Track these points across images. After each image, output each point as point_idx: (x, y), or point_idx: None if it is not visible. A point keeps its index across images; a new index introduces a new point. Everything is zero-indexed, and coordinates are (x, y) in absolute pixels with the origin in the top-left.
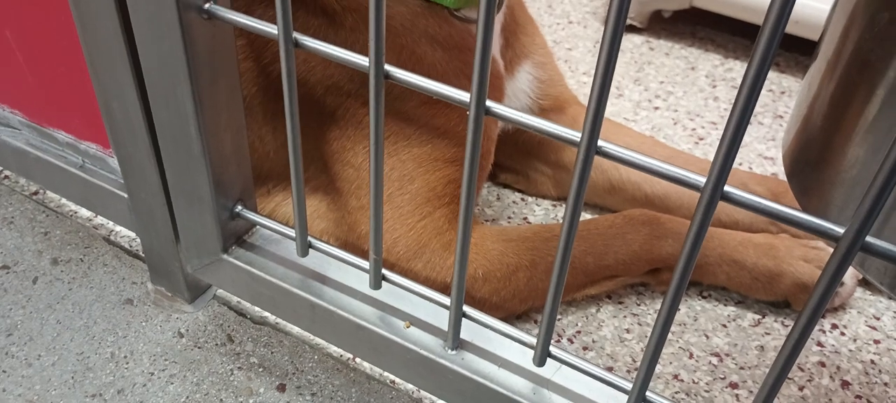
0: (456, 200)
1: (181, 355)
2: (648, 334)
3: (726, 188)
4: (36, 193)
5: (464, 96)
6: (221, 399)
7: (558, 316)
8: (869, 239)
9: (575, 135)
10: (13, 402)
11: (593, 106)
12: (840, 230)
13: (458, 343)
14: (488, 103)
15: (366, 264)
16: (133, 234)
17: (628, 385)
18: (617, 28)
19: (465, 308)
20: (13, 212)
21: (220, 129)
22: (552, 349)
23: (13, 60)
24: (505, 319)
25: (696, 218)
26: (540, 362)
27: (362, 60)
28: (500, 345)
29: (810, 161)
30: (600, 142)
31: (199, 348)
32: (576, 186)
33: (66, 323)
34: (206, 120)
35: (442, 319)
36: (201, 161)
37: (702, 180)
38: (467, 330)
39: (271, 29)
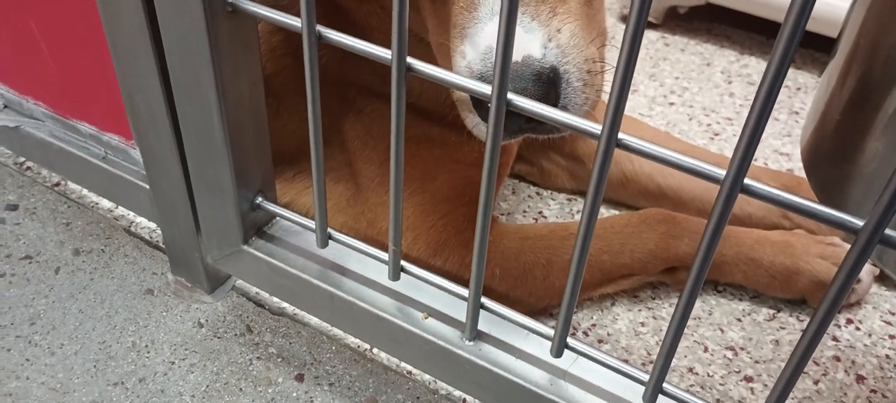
0: (475, 201)
1: (201, 345)
2: (663, 328)
3: (746, 181)
4: (58, 184)
5: (485, 88)
6: (241, 389)
7: (574, 310)
8: (888, 231)
9: (596, 128)
10: (36, 390)
11: (614, 99)
12: (859, 222)
13: (476, 335)
14: (510, 96)
15: (384, 256)
16: (153, 225)
17: (645, 377)
18: (639, 22)
19: (483, 299)
20: (35, 203)
21: (242, 121)
22: (569, 340)
23: (38, 52)
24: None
25: (715, 211)
26: (557, 353)
27: (385, 53)
28: (517, 337)
29: (828, 156)
30: (620, 135)
31: (218, 338)
32: (596, 177)
33: (88, 313)
34: (228, 111)
35: (460, 310)
36: (223, 152)
37: (722, 173)
38: (485, 322)
39: (295, 22)
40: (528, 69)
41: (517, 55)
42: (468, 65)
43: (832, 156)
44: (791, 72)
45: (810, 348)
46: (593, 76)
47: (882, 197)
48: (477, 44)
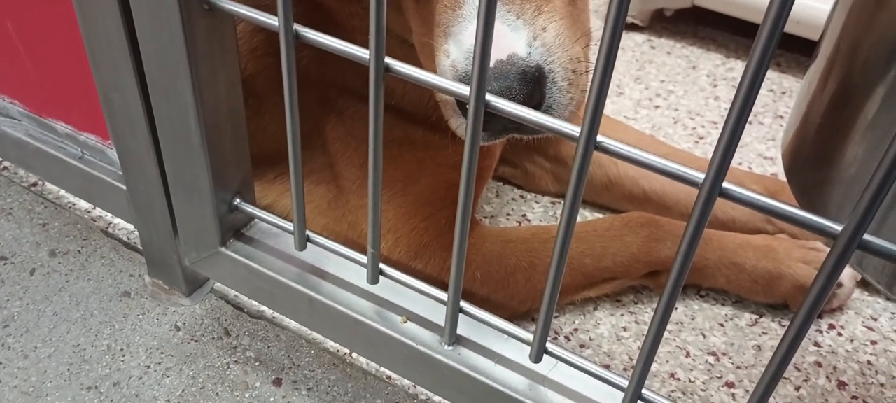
0: (457, 204)
1: (178, 348)
2: (645, 332)
3: (725, 185)
4: (35, 184)
5: (463, 89)
6: (217, 393)
7: (555, 314)
8: (866, 236)
9: (574, 131)
10: (9, 393)
11: (592, 101)
12: (838, 227)
13: (455, 339)
14: (488, 97)
15: (363, 259)
16: (131, 227)
17: (624, 383)
18: (617, 24)
19: (463, 303)
20: (11, 203)
21: (219, 122)
22: (549, 345)
23: (13, 51)
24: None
25: (693, 215)
26: (536, 358)
27: (363, 53)
28: (496, 341)
29: (809, 159)
30: (599, 138)
31: (195, 341)
32: (575, 178)
33: (62, 315)
34: (206, 112)
35: (439, 315)
36: (201, 153)
37: (700, 176)
38: (464, 326)
39: (272, 21)
40: (513, 68)
41: (502, 53)
42: (452, 64)
43: (813, 159)
44: (776, 76)
45: (790, 352)
46: (578, 76)
47: (860, 202)
48: (461, 42)
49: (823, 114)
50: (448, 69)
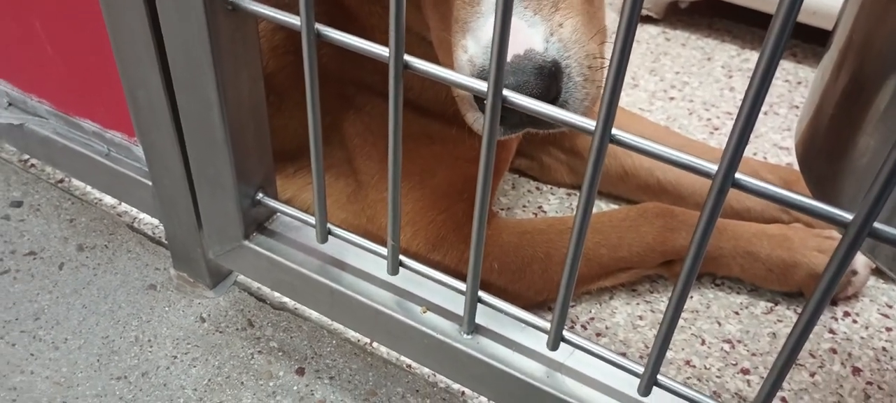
0: (475, 197)
1: (203, 339)
2: (661, 321)
3: (737, 175)
4: (61, 181)
5: (481, 85)
6: (242, 382)
7: (572, 304)
8: (877, 225)
9: (590, 125)
10: (41, 384)
11: (608, 95)
12: (848, 216)
13: (474, 328)
14: (505, 92)
15: (383, 250)
16: (156, 222)
17: (640, 369)
18: (632, 18)
19: (481, 293)
20: (39, 200)
21: (242, 118)
22: (565, 333)
23: (42, 50)
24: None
25: (707, 205)
26: (553, 346)
27: (383, 50)
28: (514, 330)
29: (822, 150)
30: (614, 131)
31: (220, 332)
32: (590, 172)
33: (91, 308)
34: (229, 108)
35: (458, 304)
36: (224, 149)
37: (713, 168)
38: (482, 315)
39: (294, 20)
40: (531, 62)
41: (520, 48)
42: (470, 59)
43: (825, 150)
44: (791, 66)
45: (802, 338)
46: (594, 71)
47: (871, 191)
48: (479, 38)
49: (836, 105)
50: (466, 64)
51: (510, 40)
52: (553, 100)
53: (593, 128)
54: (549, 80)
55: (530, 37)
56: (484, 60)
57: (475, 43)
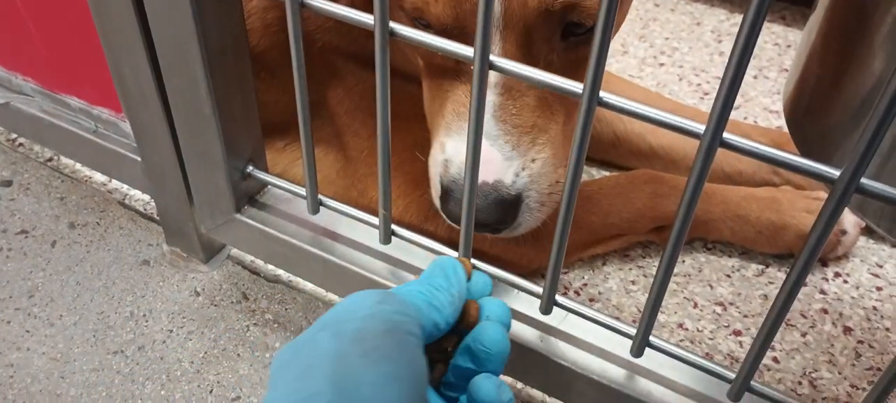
0: None
1: (198, 313)
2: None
3: (725, 135)
4: (50, 160)
5: (467, 51)
6: (238, 354)
7: (564, 270)
8: (864, 180)
9: (578, 88)
10: (38, 360)
11: (595, 56)
12: (835, 172)
13: None
14: (492, 58)
15: (375, 220)
16: (147, 198)
17: (632, 331)
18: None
19: (474, 260)
20: (29, 178)
21: (229, 91)
22: (558, 298)
23: (24, 28)
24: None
25: (696, 165)
26: (546, 310)
27: (368, 18)
28: (507, 296)
29: (809, 109)
30: (602, 94)
31: (215, 306)
32: (579, 136)
33: (85, 284)
34: (215, 81)
35: None
36: (212, 122)
37: (701, 128)
38: None
39: None
40: (496, 193)
41: (490, 177)
42: (445, 162)
43: (812, 109)
44: (780, 30)
45: (792, 294)
46: (553, 196)
47: (858, 147)
48: (460, 150)
49: (822, 63)
50: (439, 163)
51: (482, 168)
52: (507, 225)
53: (581, 92)
54: (507, 211)
55: (502, 169)
56: (457, 173)
57: (455, 152)
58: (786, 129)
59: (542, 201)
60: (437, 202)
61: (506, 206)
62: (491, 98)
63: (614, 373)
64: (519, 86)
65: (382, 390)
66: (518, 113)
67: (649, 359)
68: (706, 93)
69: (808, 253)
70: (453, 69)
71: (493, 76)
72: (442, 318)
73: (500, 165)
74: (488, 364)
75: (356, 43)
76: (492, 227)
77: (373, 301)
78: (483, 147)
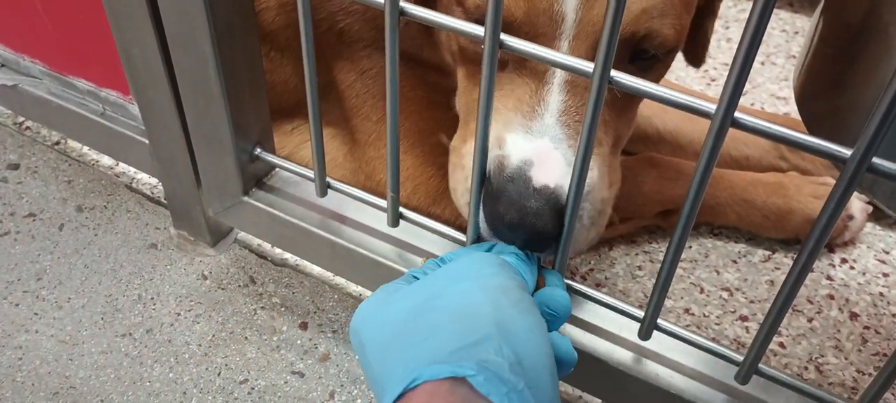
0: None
1: (206, 296)
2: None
3: (736, 114)
4: (58, 143)
5: (478, 30)
6: (246, 337)
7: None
8: (876, 160)
9: (588, 67)
10: (46, 342)
11: (606, 36)
12: (847, 151)
13: None
14: (503, 37)
15: (383, 203)
16: (154, 181)
17: (640, 313)
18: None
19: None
20: (36, 162)
21: (238, 72)
22: (566, 281)
23: (32, 10)
24: None
25: (706, 145)
26: None
27: None
28: None
29: (819, 91)
30: (613, 73)
31: (222, 289)
32: (589, 116)
33: (93, 267)
34: (224, 63)
35: None
36: (221, 104)
37: (712, 107)
38: None
39: None
40: (555, 198)
41: (550, 181)
42: (501, 156)
43: (823, 91)
44: (788, 16)
45: (801, 276)
46: (601, 216)
47: (869, 125)
48: (522, 148)
49: (831, 45)
50: (493, 160)
51: (542, 170)
52: (556, 236)
53: (591, 71)
54: (557, 223)
55: (564, 175)
56: (515, 172)
57: (515, 149)
58: (794, 116)
59: (592, 217)
60: (459, 198)
61: (560, 212)
62: (558, 98)
63: (621, 356)
64: (583, 85)
65: (531, 335)
66: (582, 120)
67: (657, 342)
68: (713, 80)
69: (818, 231)
70: (515, 63)
71: (559, 75)
72: (532, 284)
73: (563, 170)
74: (554, 324)
75: (378, 29)
76: (539, 240)
77: (498, 264)
78: (546, 147)
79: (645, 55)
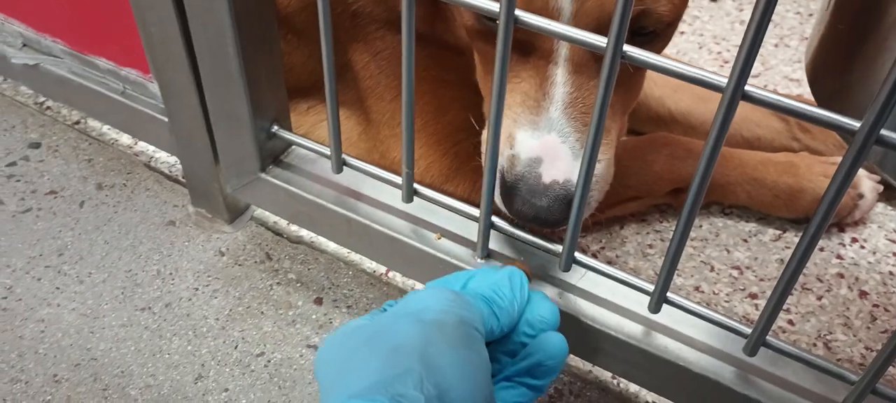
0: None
1: (223, 272)
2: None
3: (747, 87)
4: (78, 122)
5: (494, 6)
6: (262, 312)
7: (582, 235)
8: (884, 132)
9: (601, 41)
10: (68, 316)
11: (619, 12)
12: (856, 123)
13: (487, 253)
14: (517, 12)
15: (398, 179)
16: (173, 160)
17: (650, 287)
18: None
19: (494, 219)
20: (57, 141)
21: (256, 51)
22: (577, 256)
23: None
24: None
25: (717, 118)
26: (566, 267)
27: None
28: (526, 254)
29: (832, 67)
30: (626, 47)
31: (239, 265)
32: (601, 94)
33: (113, 243)
34: (243, 38)
35: (471, 231)
36: (240, 81)
37: (723, 80)
38: (495, 241)
39: None
40: (564, 193)
41: (560, 175)
42: (513, 155)
43: (835, 66)
44: None
45: (810, 248)
46: (601, 193)
47: (878, 97)
48: (530, 146)
49: (842, 20)
50: (506, 157)
51: (551, 165)
52: (561, 223)
53: (604, 46)
54: (566, 209)
55: (572, 169)
56: (525, 170)
57: (524, 148)
58: (806, 96)
59: (597, 199)
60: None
61: (567, 205)
62: (562, 90)
63: (631, 329)
64: (588, 71)
65: (461, 369)
66: (587, 110)
67: (666, 315)
68: (726, 62)
69: (827, 202)
70: (522, 46)
71: (562, 67)
72: (498, 327)
73: (570, 164)
74: (549, 376)
75: (393, 12)
76: (551, 227)
77: (446, 298)
78: (553, 142)
79: (643, 31)
